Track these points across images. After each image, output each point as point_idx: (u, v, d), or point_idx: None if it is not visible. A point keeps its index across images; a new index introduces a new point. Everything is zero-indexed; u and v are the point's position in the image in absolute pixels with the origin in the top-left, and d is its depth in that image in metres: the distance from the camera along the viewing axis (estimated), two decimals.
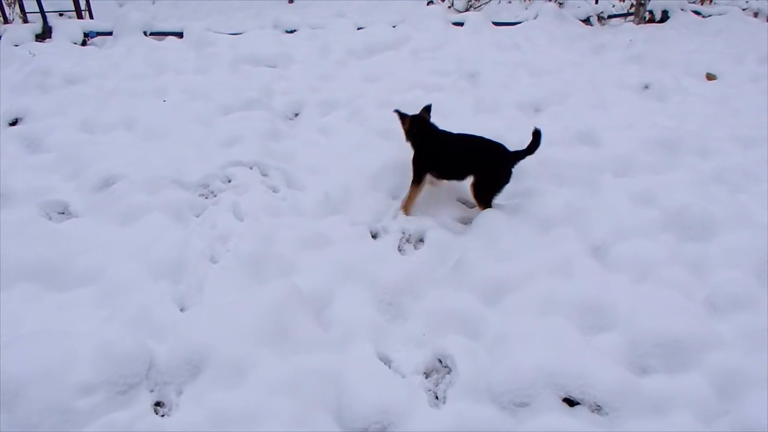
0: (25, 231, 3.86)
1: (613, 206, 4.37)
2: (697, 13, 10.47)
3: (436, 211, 4.49)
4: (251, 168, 4.97)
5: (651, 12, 10.43)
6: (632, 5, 10.64)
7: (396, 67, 7.58)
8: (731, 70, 7.71)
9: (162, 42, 8.73)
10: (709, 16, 10.30)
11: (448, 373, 3.24)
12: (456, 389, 3.09)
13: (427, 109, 4.78)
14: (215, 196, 4.64)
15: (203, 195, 4.65)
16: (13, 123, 5.83)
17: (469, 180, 4.40)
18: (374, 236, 4.31)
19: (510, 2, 12.52)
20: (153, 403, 2.95)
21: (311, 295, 3.53)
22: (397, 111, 4.78)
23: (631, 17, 10.51)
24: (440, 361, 3.31)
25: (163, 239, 3.96)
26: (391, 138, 5.47)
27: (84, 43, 9.13)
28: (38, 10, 9.25)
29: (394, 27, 9.54)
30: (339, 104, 6.45)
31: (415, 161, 4.53)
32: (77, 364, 2.88)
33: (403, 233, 4.28)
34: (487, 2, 11.90)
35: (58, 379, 2.80)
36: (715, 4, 11.17)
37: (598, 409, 2.99)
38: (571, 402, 3.03)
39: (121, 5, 12.55)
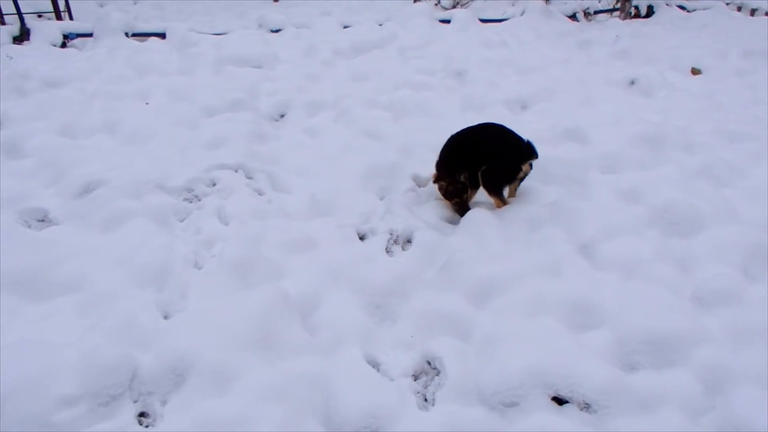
0: (4, 239, 3.78)
1: (600, 204, 4.37)
2: (681, 8, 10.53)
3: (423, 211, 4.45)
4: (236, 171, 4.90)
5: (636, 7, 10.49)
6: (618, 1, 10.67)
7: (383, 66, 7.55)
8: (716, 64, 7.77)
9: (144, 43, 8.64)
10: (694, 10, 10.38)
11: (437, 375, 3.21)
12: (445, 391, 3.07)
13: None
14: (200, 200, 4.58)
15: (187, 199, 4.57)
16: None
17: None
18: (362, 238, 4.26)
19: None
20: (137, 414, 2.88)
21: (298, 299, 3.48)
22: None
23: (617, 12, 10.54)
24: (429, 363, 3.28)
25: (146, 245, 3.89)
26: (378, 138, 5.44)
27: (64, 45, 9.00)
28: (15, 12, 9.10)
29: (380, 25, 9.51)
30: (326, 105, 6.41)
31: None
32: (59, 375, 2.82)
33: (391, 234, 4.24)
34: None
35: (39, 391, 2.73)
36: None
37: (587, 407, 2.99)
38: (560, 401, 3.02)
39: (101, 6, 12.43)
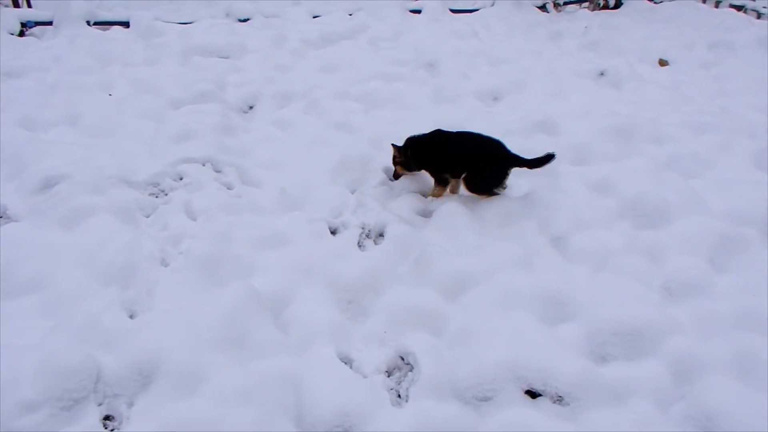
0: None
1: (571, 196, 4.39)
2: None
3: (395, 205, 4.40)
4: (204, 164, 4.79)
5: None
6: None
7: (354, 57, 7.47)
8: (682, 56, 7.91)
9: (107, 32, 8.40)
10: (661, 2, 10.49)
11: (411, 370, 3.19)
12: (419, 387, 3.05)
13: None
14: (166, 194, 4.46)
15: (153, 194, 4.45)
16: None
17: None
18: (333, 232, 4.21)
19: None
20: (102, 418, 2.80)
21: (269, 297, 3.41)
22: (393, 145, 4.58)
23: (586, 4, 10.60)
24: (402, 359, 3.26)
25: (110, 242, 3.77)
26: (349, 131, 5.38)
27: (22, 34, 8.69)
28: None
29: (350, 15, 9.42)
30: (295, 96, 6.31)
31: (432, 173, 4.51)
32: (20, 379, 2.73)
33: (363, 228, 4.19)
34: None
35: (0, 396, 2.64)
36: None
37: (560, 399, 3.02)
38: (533, 394, 3.05)
39: None
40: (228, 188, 4.62)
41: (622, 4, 10.45)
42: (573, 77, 6.96)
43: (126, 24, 8.75)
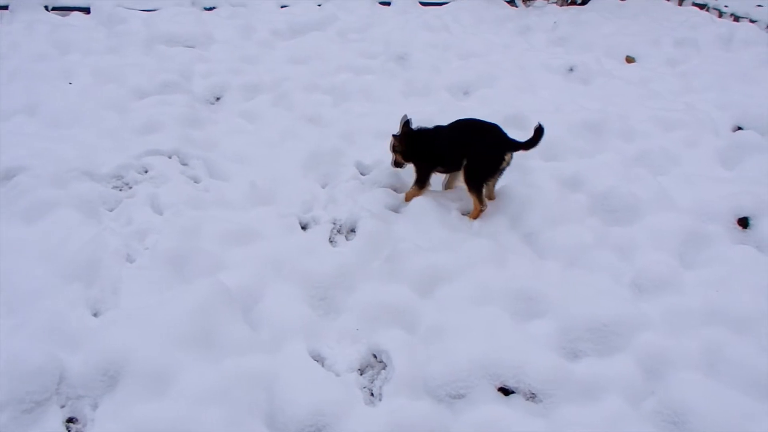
0: None
1: (542, 191, 4.39)
2: None
3: (367, 200, 4.35)
4: (170, 157, 4.68)
5: None
6: None
7: (323, 48, 7.38)
8: (649, 52, 8.01)
9: (66, 18, 8.11)
10: None
11: (384, 368, 3.18)
12: (392, 385, 3.04)
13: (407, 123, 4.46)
14: (131, 188, 4.35)
15: (117, 187, 4.34)
16: None
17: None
18: (304, 227, 4.16)
19: None
20: (65, 420, 2.72)
21: (239, 293, 3.34)
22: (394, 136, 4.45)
23: None
24: (375, 357, 3.25)
25: (73, 238, 3.66)
26: (319, 124, 5.31)
27: None
28: None
29: (319, 6, 9.30)
30: (264, 88, 6.21)
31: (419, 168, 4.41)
32: None
33: (334, 224, 4.15)
34: None
35: None
36: None
37: (532, 396, 3.04)
38: (506, 391, 3.07)
39: None
40: (195, 182, 4.52)
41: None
42: (542, 72, 6.99)
43: (87, 10, 8.45)
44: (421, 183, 4.39)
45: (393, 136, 4.40)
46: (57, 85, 5.83)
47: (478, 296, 3.53)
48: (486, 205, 4.23)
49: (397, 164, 4.52)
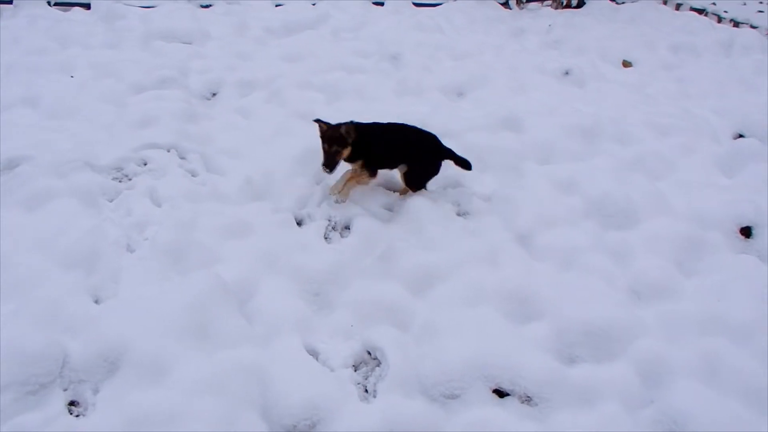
0: None
1: (536, 193, 4.42)
2: None
3: (362, 198, 4.41)
4: (168, 150, 4.76)
5: None
6: None
7: (316, 47, 7.45)
8: (645, 57, 7.98)
9: (67, 13, 8.16)
10: (623, 2, 10.61)
11: (378, 365, 3.22)
12: (386, 382, 3.07)
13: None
14: (130, 180, 4.43)
15: (117, 179, 4.42)
16: None
17: (402, 169, 4.39)
18: (299, 223, 4.21)
19: None
20: (67, 403, 2.81)
21: (234, 287, 3.41)
22: (317, 120, 4.26)
23: (549, 2, 10.71)
24: (369, 353, 3.30)
25: (73, 226, 3.74)
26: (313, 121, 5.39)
27: None
28: None
29: (314, 5, 9.38)
30: (258, 85, 6.28)
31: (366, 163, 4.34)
32: None
33: (329, 221, 4.21)
34: None
35: None
36: None
37: (527, 399, 3.06)
38: (501, 393, 3.09)
39: None
40: (192, 175, 4.59)
41: (584, 3, 10.55)
42: (536, 74, 7.02)
43: (87, 6, 8.50)
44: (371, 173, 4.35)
45: (337, 125, 4.11)
46: (57, 79, 5.89)
47: (472, 296, 3.54)
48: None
49: (332, 164, 4.15)
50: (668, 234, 4.02)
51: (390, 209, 4.37)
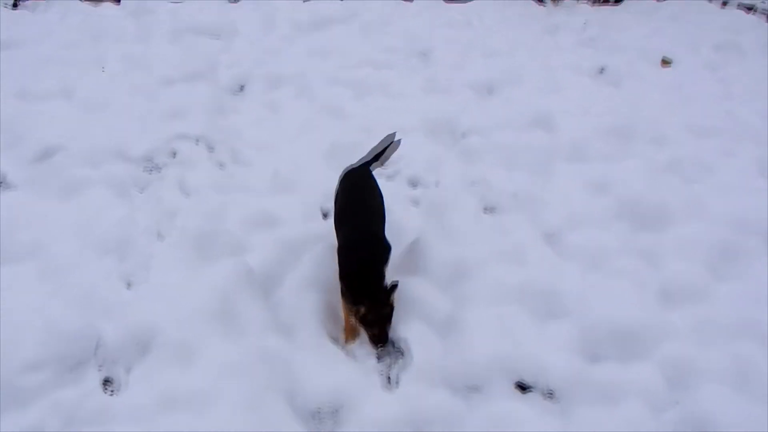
0: None
1: (566, 193, 4.36)
2: None
3: (387, 192, 4.34)
4: (197, 142, 4.84)
5: None
6: None
7: (344, 42, 7.46)
8: (686, 56, 7.59)
9: (98, 8, 8.29)
10: (664, 0, 10.34)
11: (401, 356, 3.25)
12: (409, 373, 3.11)
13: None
14: (160, 170, 4.51)
15: (147, 169, 4.51)
16: None
17: None
18: (325, 216, 4.24)
19: None
20: (101, 381, 2.93)
21: (260, 276, 3.48)
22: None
23: None
24: (393, 344, 3.32)
25: (106, 214, 3.85)
26: (340, 117, 5.44)
27: (15, 6, 8.58)
28: None
29: (342, 0, 9.42)
30: (286, 80, 6.32)
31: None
32: (23, 340, 2.87)
33: None
34: None
35: (4, 355, 2.78)
36: None
37: (550, 395, 3.07)
38: (523, 387, 3.10)
39: None
40: (221, 167, 4.67)
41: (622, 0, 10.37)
42: (570, 73, 6.84)
43: (117, 0, 8.67)
44: None
45: (386, 299, 3.23)
46: (89, 71, 6.00)
47: (497, 293, 3.51)
48: None
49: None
50: (703, 238, 3.92)
51: (416, 203, 4.38)
